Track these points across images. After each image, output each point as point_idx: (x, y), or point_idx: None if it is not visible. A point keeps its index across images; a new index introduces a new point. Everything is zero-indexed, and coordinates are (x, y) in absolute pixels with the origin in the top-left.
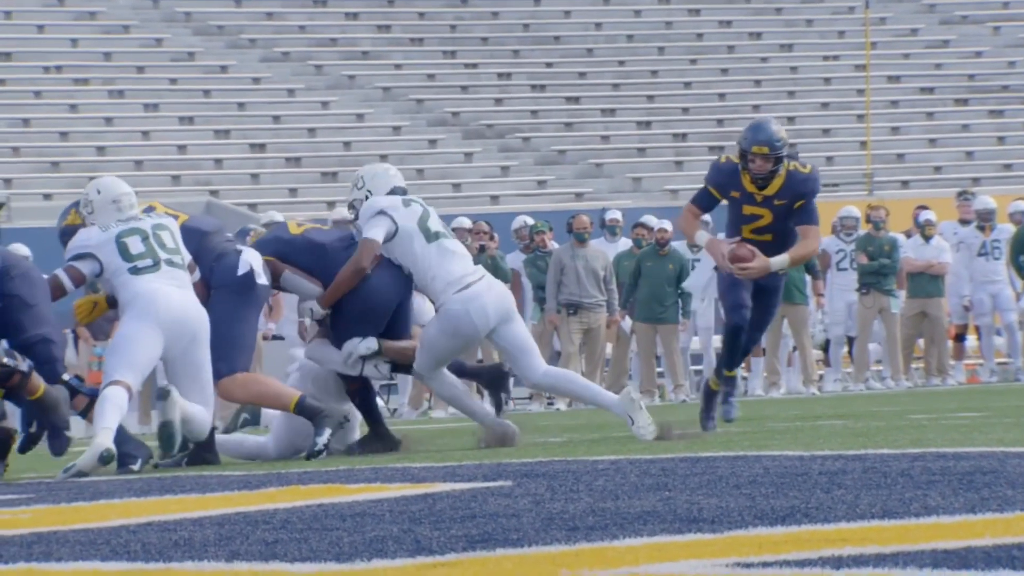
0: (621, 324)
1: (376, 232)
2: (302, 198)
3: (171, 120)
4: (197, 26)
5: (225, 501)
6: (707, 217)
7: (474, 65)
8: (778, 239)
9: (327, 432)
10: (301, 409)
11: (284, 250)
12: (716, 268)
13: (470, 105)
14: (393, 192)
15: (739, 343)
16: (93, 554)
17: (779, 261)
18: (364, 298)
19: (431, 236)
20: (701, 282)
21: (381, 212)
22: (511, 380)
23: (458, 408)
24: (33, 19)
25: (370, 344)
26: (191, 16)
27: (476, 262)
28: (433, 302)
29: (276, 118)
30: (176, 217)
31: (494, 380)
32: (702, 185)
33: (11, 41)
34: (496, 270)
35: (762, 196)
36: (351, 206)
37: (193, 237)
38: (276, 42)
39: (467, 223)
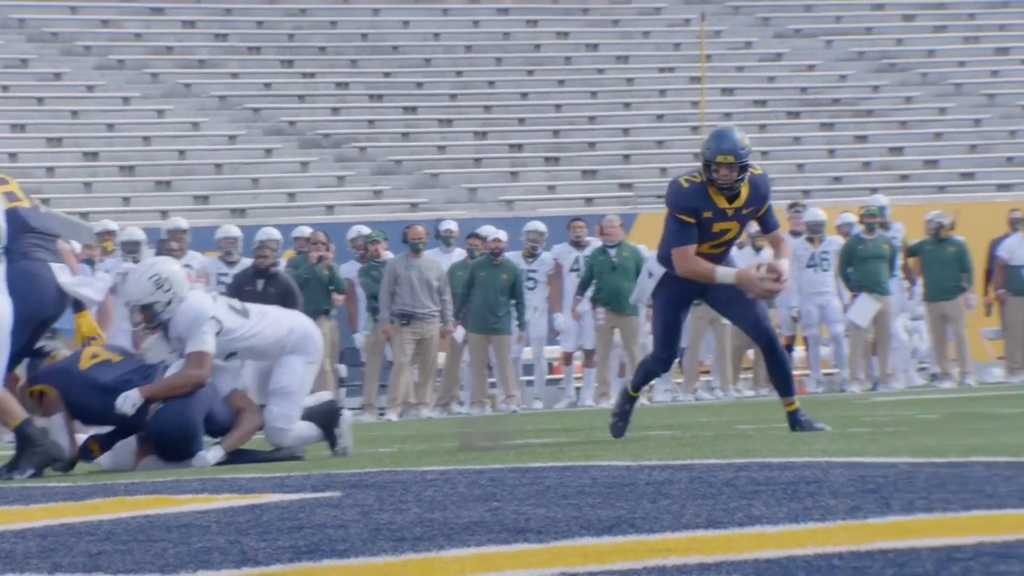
0: (454, 334)
1: (208, 342)
2: (135, 207)
3: (2, 128)
4: (31, 32)
5: (48, 512)
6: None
7: (311, 74)
8: (728, 250)
9: (28, 471)
10: (19, 434)
11: (67, 387)
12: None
13: (307, 114)
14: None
15: (649, 382)
16: None
17: (784, 267)
18: None
19: (243, 312)
20: (646, 294)
21: (210, 318)
22: (343, 416)
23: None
24: None
25: (135, 401)
26: (25, 23)
27: (311, 273)
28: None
29: (110, 126)
30: (18, 198)
31: (327, 417)
32: (669, 219)
33: None
34: (332, 280)
35: (733, 210)
36: (145, 308)
37: (15, 225)
38: (111, 49)
39: (307, 232)
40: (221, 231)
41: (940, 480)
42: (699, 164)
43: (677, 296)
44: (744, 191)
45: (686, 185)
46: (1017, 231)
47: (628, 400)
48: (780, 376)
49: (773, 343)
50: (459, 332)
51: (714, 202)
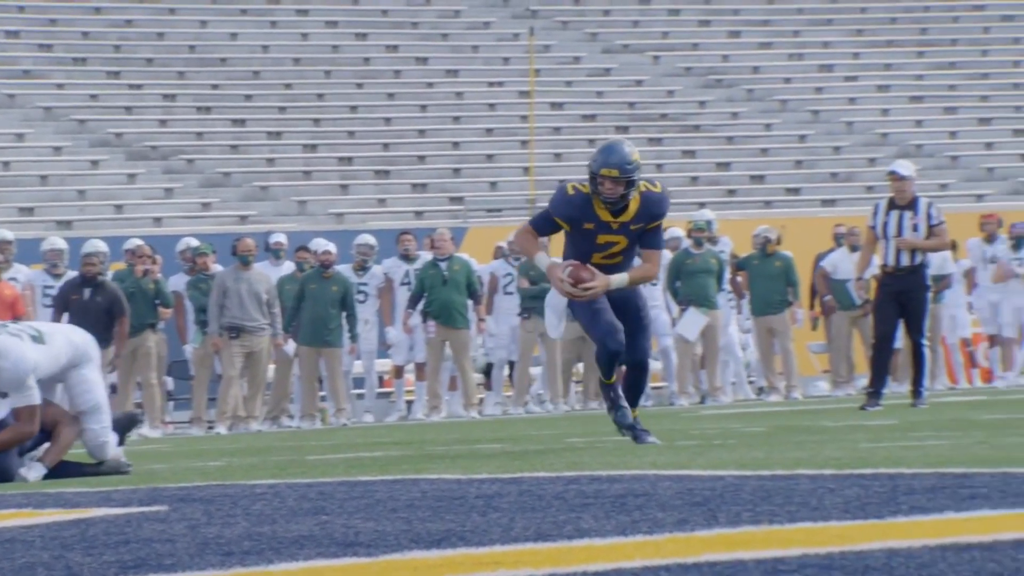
0: (285, 348)
1: (35, 395)
2: None
3: None
4: None
5: None
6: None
7: (138, 86)
8: (626, 260)
9: None
10: None
11: None
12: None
13: (134, 126)
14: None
15: (615, 366)
16: None
17: (618, 279)
18: None
19: (40, 338)
20: (560, 304)
21: (31, 371)
22: (139, 424)
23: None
24: None
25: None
26: None
27: (136, 286)
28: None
29: None
30: None
31: (126, 424)
32: (544, 209)
33: None
34: (158, 293)
35: (619, 223)
36: None
37: None
38: None
39: (136, 244)
40: (47, 243)
41: (766, 492)
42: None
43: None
44: (633, 206)
45: (571, 192)
46: (842, 246)
47: (608, 388)
48: (632, 390)
49: (615, 356)
50: (290, 346)
51: (597, 214)
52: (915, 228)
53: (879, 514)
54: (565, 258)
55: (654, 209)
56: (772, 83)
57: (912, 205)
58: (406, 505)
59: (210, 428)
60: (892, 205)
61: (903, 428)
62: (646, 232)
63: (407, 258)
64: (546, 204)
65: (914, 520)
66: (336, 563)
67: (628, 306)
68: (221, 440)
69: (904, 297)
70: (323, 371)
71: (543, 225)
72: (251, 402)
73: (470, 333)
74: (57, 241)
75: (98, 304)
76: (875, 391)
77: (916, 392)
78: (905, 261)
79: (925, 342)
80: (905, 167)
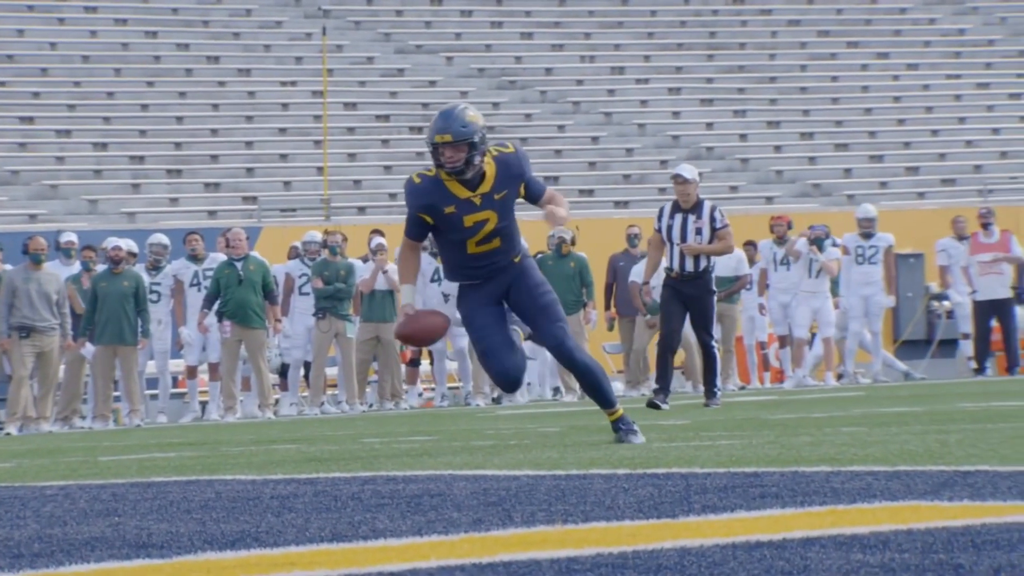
0: (83, 350)
1: None
2: None
3: None
4: None
5: None
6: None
7: None
8: (506, 241)
9: None
10: None
11: None
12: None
13: None
14: None
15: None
16: None
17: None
18: None
19: None
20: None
21: None
22: None
23: None
24: None
25: None
26: None
27: None
28: None
29: None
30: None
31: None
32: (406, 214)
33: None
34: None
35: (480, 196)
36: None
37: None
38: None
39: None
40: None
41: (561, 492)
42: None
43: (482, 298)
44: (490, 172)
45: (418, 181)
46: (636, 247)
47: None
48: (590, 391)
49: (563, 353)
50: (88, 349)
51: (453, 194)
52: (699, 232)
53: (672, 513)
54: (444, 266)
55: (513, 170)
56: (565, 85)
57: (696, 208)
58: (200, 506)
59: (0, 429)
60: (676, 208)
61: (695, 428)
62: (526, 192)
63: (195, 258)
64: (339, 204)
65: (706, 519)
66: (129, 565)
67: (521, 294)
68: (11, 441)
69: (690, 301)
70: (118, 370)
71: (411, 229)
72: (42, 402)
73: (264, 333)
74: None
75: None
76: (661, 388)
77: (710, 392)
78: (689, 267)
79: (715, 343)
80: (688, 170)
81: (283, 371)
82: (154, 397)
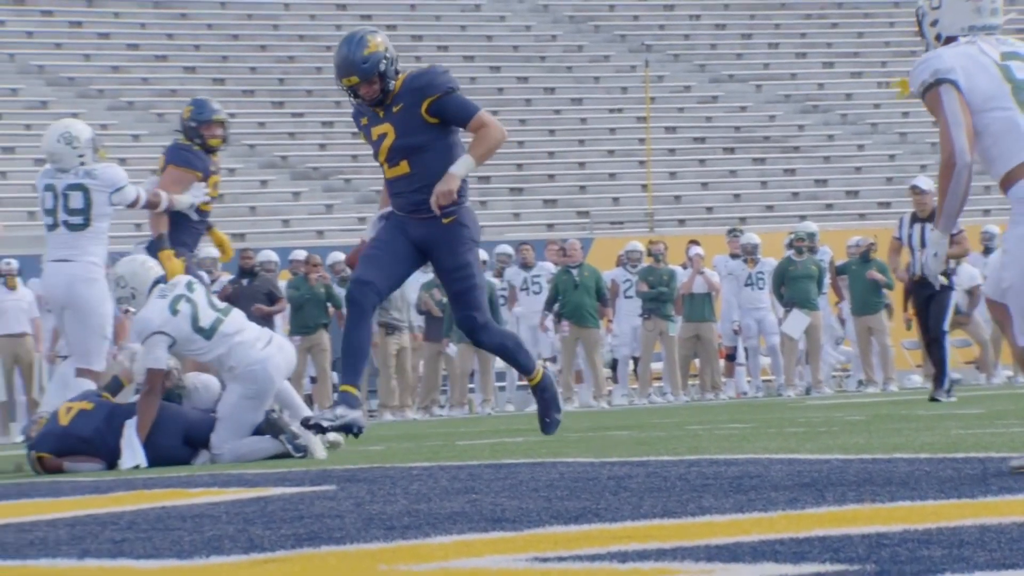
0: (447, 349)
1: (158, 358)
2: None
3: (27, 161)
4: (49, 77)
5: (76, 504)
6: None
7: (301, 114)
8: (417, 168)
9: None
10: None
11: (57, 446)
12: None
13: (297, 150)
14: (157, 282)
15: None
16: None
17: (462, 165)
18: None
19: (208, 333)
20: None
21: (157, 332)
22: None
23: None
24: None
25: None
26: (43, 68)
27: (309, 291)
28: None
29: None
30: None
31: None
32: None
33: None
34: (329, 296)
35: (383, 109)
36: (119, 300)
37: None
38: (122, 92)
39: (304, 255)
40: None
41: (868, 474)
42: None
43: (397, 225)
44: (396, 86)
45: (357, 101)
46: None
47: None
48: (512, 364)
49: (474, 340)
50: (451, 348)
51: (367, 106)
52: None
53: (971, 494)
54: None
55: (415, 83)
56: (864, 108)
57: (933, 217)
58: (546, 485)
59: (371, 415)
60: (915, 218)
61: (990, 416)
62: (444, 111)
63: (526, 266)
64: (661, 217)
65: (1004, 499)
66: (486, 536)
67: (441, 273)
68: (381, 427)
69: (931, 299)
70: (476, 364)
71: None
72: (404, 394)
73: (600, 332)
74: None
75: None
76: (937, 380)
77: (940, 385)
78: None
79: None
80: (925, 182)
81: (613, 365)
82: (502, 388)
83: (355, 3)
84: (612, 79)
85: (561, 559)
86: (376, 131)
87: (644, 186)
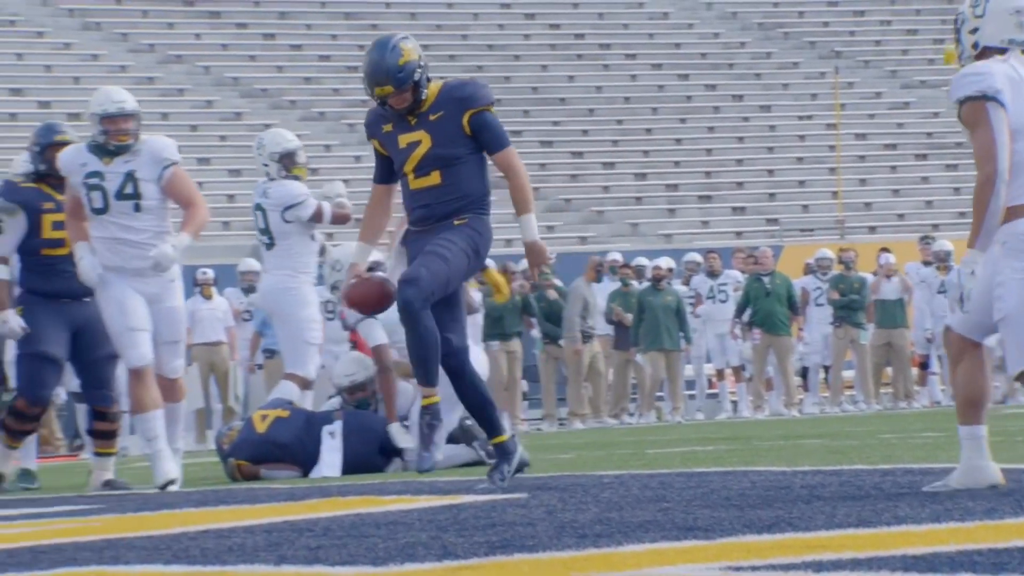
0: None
1: (378, 336)
2: None
3: (222, 172)
4: (244, 89)
5: (273, 511)
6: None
7: None
8: (448, 179)
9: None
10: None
11: (254, 453)
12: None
13: None
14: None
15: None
16: (157, 558)
17: (534, 228)
18: None
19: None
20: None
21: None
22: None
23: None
24: (94, 83)
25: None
26: (239, 80)
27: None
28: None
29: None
30: None
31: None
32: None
33: (78, 103)
34: (525, 306)
35: (416, 116)
36: (334, 287)
37: None
38: (313, 103)
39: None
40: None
41: None
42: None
43: (421, 247)
44: (432, 93)
45: (372, 108)
46: None
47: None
48: (473, 411)
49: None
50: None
51: (394, 112)
52: None
53: None
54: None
55: (456, 93)
56: None
57: None
58: (738, 494)
59: (560, 424)
60: None
61: None
62: (484, 127)
63: (712, 274)
64: (852, 224)
65: None
66: (678, 545)
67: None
68: (569, 435)
69: None
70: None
71: (376, 168)
72: (598, 398)
73: (791, 340)
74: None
75: None
76: None
77: None
78: None
79: None
80: None
81: (803, 373)
82: (692, 397)
83: (543, 12)
84: (801, 86)
85: (754, 568)
86: (406, 139)
87: (834, 193)
